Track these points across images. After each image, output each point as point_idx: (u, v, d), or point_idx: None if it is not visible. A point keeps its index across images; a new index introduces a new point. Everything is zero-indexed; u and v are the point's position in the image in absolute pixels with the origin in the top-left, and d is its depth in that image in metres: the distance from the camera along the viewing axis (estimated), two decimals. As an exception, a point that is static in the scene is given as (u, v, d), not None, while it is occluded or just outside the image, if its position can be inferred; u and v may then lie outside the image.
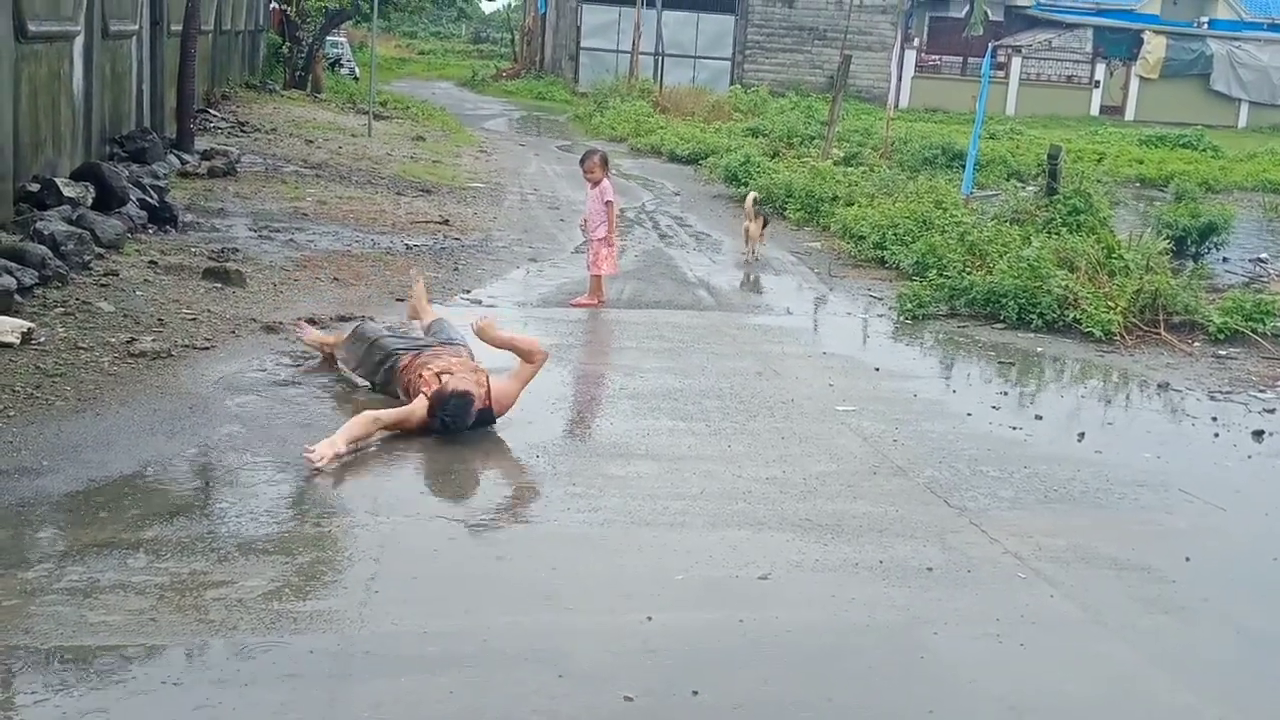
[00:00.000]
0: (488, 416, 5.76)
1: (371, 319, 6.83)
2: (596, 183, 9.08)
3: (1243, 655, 4.06)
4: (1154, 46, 37.76)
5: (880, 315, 9.31)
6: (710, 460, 5.57)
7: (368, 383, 6.24)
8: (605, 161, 9.22)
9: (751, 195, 11.71)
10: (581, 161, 9.27)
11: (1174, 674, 3.86)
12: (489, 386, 5.79)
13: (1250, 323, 8.74)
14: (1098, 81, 38.24)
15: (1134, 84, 38.19)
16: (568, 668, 3.59)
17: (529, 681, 3.50)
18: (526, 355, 5.99)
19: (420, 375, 5.82)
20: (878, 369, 7.56)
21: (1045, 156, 12.99)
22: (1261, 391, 7.46)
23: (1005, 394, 7.17)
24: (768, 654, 3.78)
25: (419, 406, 5.62)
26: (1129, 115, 37.34)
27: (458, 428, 5.58)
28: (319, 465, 5.00)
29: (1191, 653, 4.03)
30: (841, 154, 18.08)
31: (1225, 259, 12.96)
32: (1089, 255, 9.61)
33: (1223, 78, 38.05)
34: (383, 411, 5.56)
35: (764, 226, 11.63)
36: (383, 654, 3.60)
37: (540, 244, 11.41)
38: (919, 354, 8.28)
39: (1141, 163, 22.42)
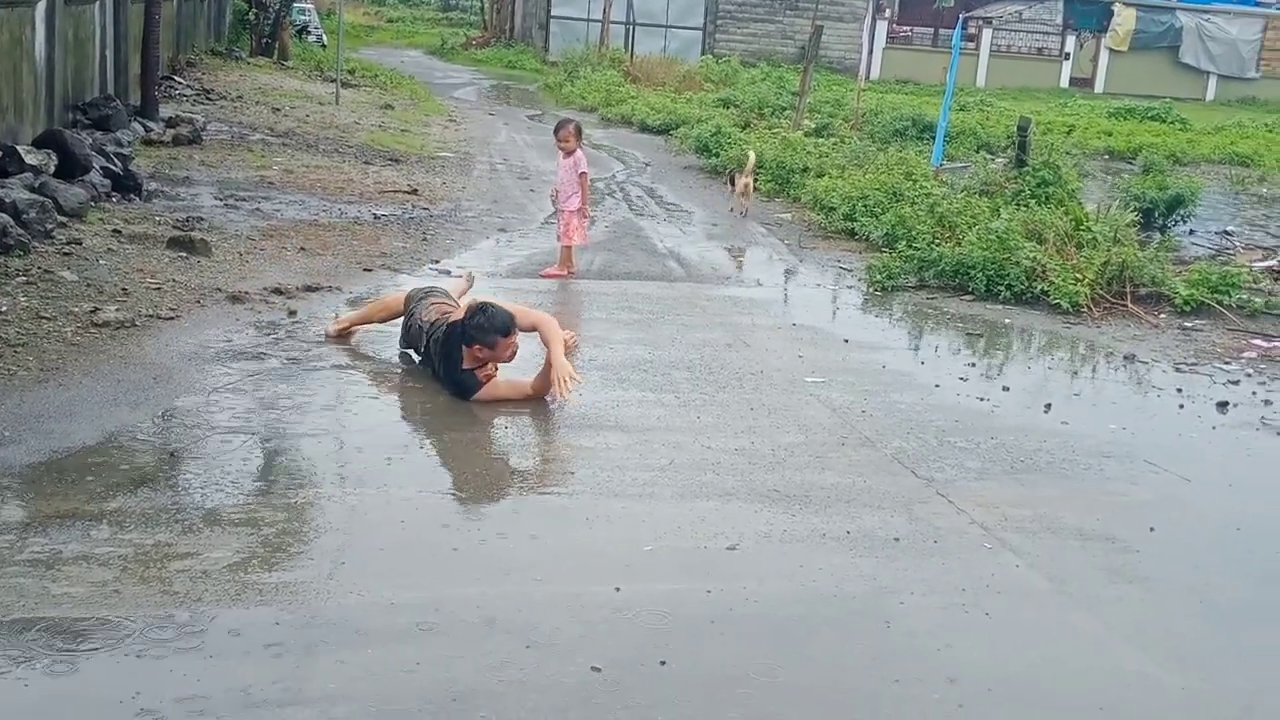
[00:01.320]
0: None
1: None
2: (570, 153, 9.02)
3: (1206, 625, 4.10)
4: (1124, 19, 37.83)
5: (850, 287, 9.32)
6: (679, 431, 5.56)
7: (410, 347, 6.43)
8: (579, 131, 9.16)
9: (753, 153, 12.81)
10: (556, 131, 9.20)
11: (1137, 643, 3.89)
12: (497, 372, 5.90)
13: (1216, 295, 8.80)
14: (1068, 54, 38.30)
15: (1104, 56, 38.27)
16: (535, 639, 3.59)
17: (497, 653, 3.50)
18: (544, 383, 5.87)
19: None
20: (847, 340, 7.57)
21: (1015, 128, 13.01)
22: (1226, 363, 7.52)
23: (973, 365, 7.19)
24: (736, 624, 3.79)
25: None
26: (1098, 87, 37.42)
27: (488, 327, 5.72)
28: None
29: (1155, 622, 4.07)
30: (812, 125, 18.05)
31: (1192, 231, 13.03)
32: (1057, 227, 9.64)
33: (1191, 50, 38.18)
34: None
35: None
36: (350, 626, 3.59)
37: (510, 214, 11.35)
38: (888, 325, 8.30)
39: (1110, 135, 22.48)
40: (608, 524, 4.49)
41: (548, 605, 3.81)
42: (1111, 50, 38.09)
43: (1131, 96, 32.19)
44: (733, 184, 12.56)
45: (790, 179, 13.58)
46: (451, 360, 5.81)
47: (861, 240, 10.94)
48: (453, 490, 4.75)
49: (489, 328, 5.71)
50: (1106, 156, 20.30)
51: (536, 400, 5.88)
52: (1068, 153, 14.00)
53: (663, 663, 3.52)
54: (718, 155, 15.47)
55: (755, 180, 12.68)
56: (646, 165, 16.08)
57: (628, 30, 32.32)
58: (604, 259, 9.67)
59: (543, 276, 8.81)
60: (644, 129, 19.99)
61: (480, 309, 5.77)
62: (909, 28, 39.89)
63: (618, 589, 3.94)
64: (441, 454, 5.19)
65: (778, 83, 25.02)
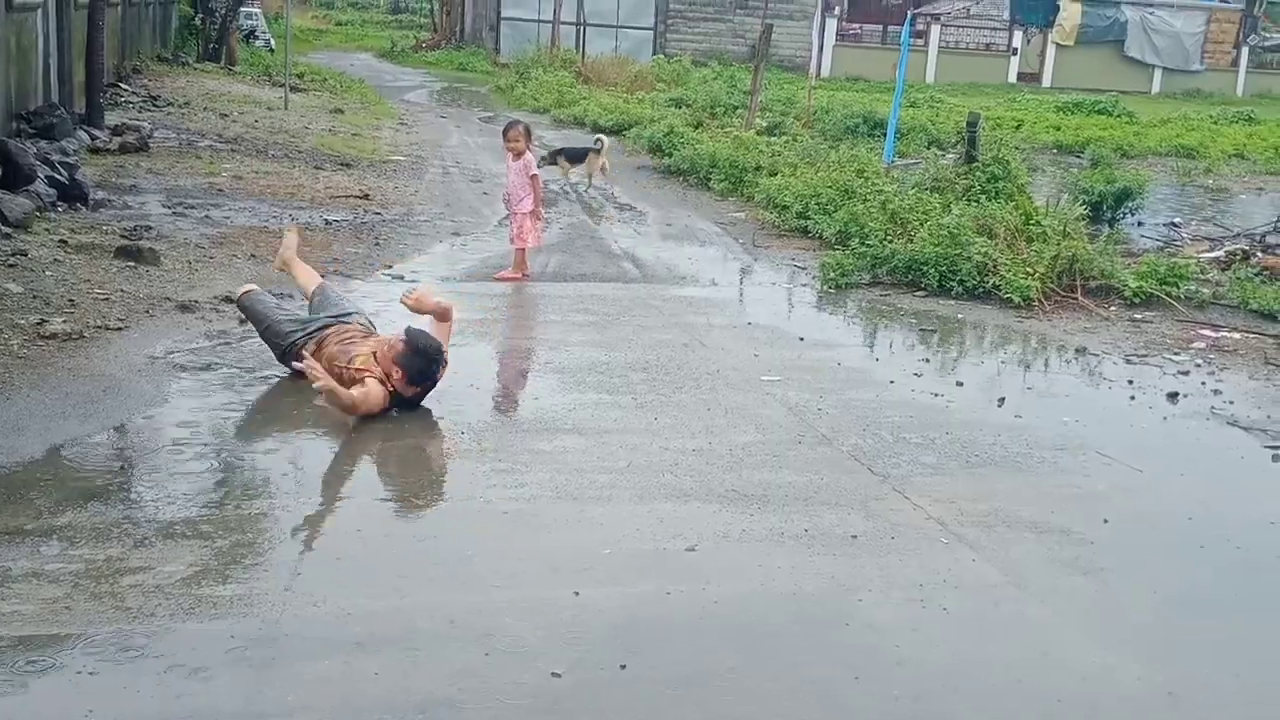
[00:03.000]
0: (415, 397, 5.70)
1: (254, 289, 6.42)
2: (519, 154, 9.00)
3: (1160, 614, 4.14)
4: (1070, 14, 38.24)
5: (804, 285, 9.36)
6: (637, 433, 5.56)
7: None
8: (529, 132, 9.14)
9: (605, 138, 14.71)
10: (504, 132, 9.17)
11: (1093, 634, 3.93)
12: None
13: (1165, 286, 8.90)
14: (1015, 49, 38.67)
15: (1051, 51, 38.66)
16: (494, 645, 3.57)
17: (455, 660, 3.48)
18: (443, 314, 5.94)
19: (352, 368, 5.59)
20: (802, 339, 7.60)
21: (965, 124, 13.10)
22: (1176, 354, 7.61)
23: (927, 361, 7.24)
24: (696, 625, 3.79)
25: (375, 391, 5.47)
26: (1046, 82, 37.80)
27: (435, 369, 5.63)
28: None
29: (1110, 613, 4.11)
30: (764, 124, 18.10)
31: (1140, 223, 13.18)
32: (1007, 222, 9.72)
33: (1137, 44, 38.67)
34: (356, 393, 5.40)
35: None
36: (307, 637, 3.56)
37: (463, 217, 11.31)
38: (842, 323, 8.34)
39: (1059, 129, 22.69)
40: (566, 527, 4.48)
41: (507, 611, 3.79)
42: (1058, 45, 38.49)
43: (1078, 90, 32.53)
44: (570, 162, 14.06)
45: (743, 178, 13.61)
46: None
47: (815, 238, 10.98)
48: (408, 498, 4.72)
49: (436, 368, 5.66)
50: (1055, 151, 20.49)
51: (485, 389, 6.07)
52: (1016, 148, 14.11)
53: (623, 666, 3.51)
54: (671, 155, 15.49)
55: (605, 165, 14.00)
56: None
57: (578, 31, 32.26)
58: (559, 261, 9.65)
59: (497, 280, 8.78)
60: (597, 130, 19.93)
61: (420, 355, 5.57)
62: (858, 25, 40.13)
63: (577, 593, 3.93)
64: (397, 461, 5.15)
65: (729, 81, 25.07)
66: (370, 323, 6.21)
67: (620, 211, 12.46)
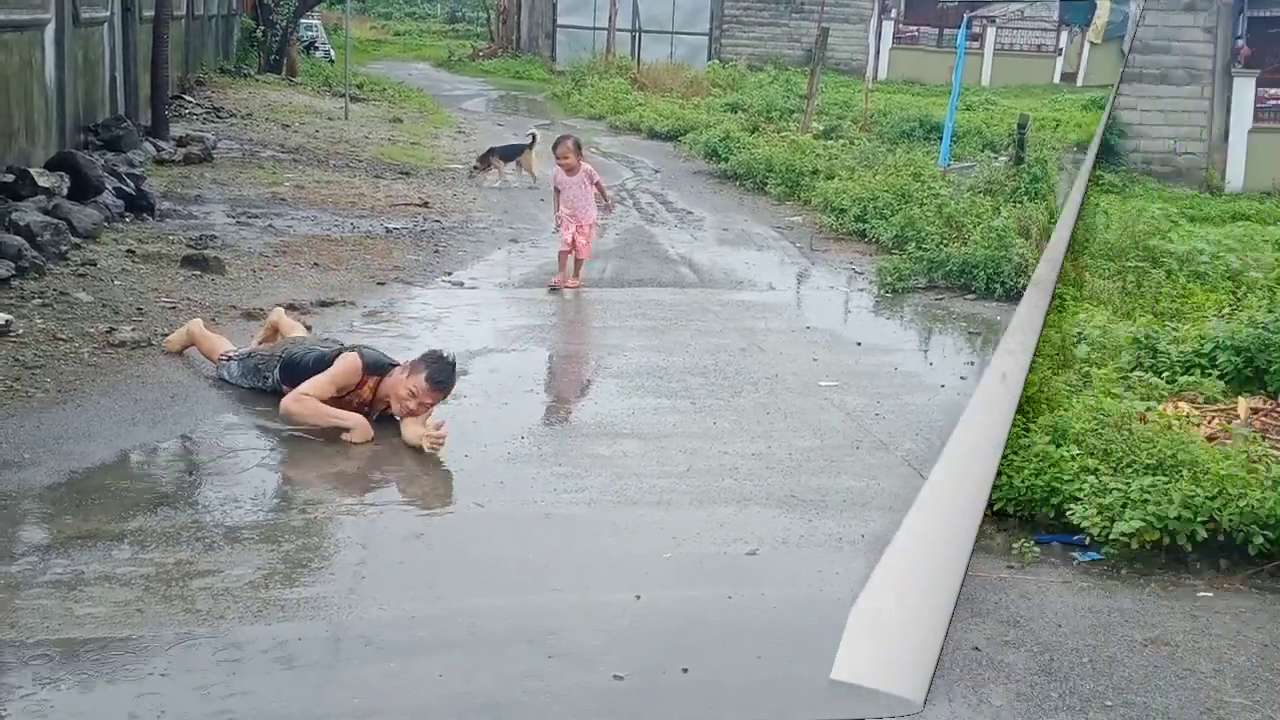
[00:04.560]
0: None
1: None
2: (572, 169, 8.90)
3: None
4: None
5: (861, 289, 9.33)
6: (695, 437, 5.58)
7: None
8: (578, 147, 8.99)
9: (537, 131, 14.90)
10: (554, 147, 9.09)
11: (1158, 640, 3.90)
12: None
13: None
14: (1060, 49, 38.21)
15: (1085, 49, 38.11)
16: (557, 648, 3.60)
17: (518, 663, 3.52)
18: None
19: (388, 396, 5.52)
20: (859, 343, 7.58)
21: (1015, 126, 13.06)
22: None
23: (972, 364, 7.22)
24: (756, 630, 3.80)
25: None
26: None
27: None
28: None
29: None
30: (821, 127, 18.05)
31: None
32: (1039, 222, 9.75)
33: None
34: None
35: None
36: (372, 639, 3.61)
37: (521, 224, 11.37)
38: (899, 327, 8.31)
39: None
40: (626, 532, 4.51)
41: (569, 614, 3.82)
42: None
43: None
44: (504, 160, 13.89)
45: (800, 182, 13.59)
46: None
47: (872, 242, 10.95)
48: (471, 503, 4.77)
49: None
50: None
51: (544, 394, 5.99)
52: (1052, 147, 14.08)
53: (685, 670, 3.53)
54: (727, 160, 15.50)
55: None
56: (656, 172, 16.08)
57: (634, 37, 32.34)
58: (616, 266, 9.69)
59: (563, 287, 8.69)
60: (652, 136, 19.99)
61: (443, 367, 5.48)
62: (915, 28, 39.82)
63: (638, 597, 3.96)
64: (458, 467, 5.19)
65: (785, 85, 25.00)
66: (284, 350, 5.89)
67: (676, 216, 12.48)
